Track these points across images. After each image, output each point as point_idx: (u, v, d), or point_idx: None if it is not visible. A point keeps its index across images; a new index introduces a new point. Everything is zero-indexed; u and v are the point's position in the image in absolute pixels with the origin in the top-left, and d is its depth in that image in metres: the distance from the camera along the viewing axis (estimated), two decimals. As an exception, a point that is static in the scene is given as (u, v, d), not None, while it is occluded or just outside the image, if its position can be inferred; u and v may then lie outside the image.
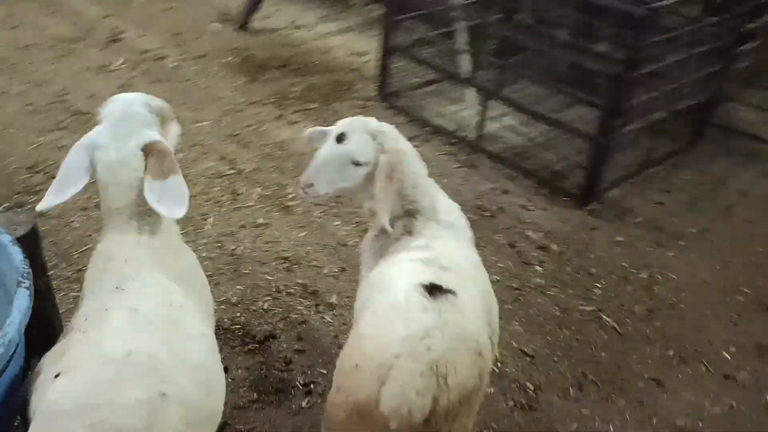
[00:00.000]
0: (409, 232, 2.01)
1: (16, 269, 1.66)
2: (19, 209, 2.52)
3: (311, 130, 2.16)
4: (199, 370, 1.58)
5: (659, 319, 2.90)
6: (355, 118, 2.06)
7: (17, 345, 1.54)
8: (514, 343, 2.72)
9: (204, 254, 2.99)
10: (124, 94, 1.89)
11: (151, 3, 5.50)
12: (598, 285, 3.07)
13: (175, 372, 1.51)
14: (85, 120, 3.80)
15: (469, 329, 1.66)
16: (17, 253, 1.71)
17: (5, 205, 3.10)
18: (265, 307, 2.76)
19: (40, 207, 1.72)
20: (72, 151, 1.77)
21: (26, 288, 1.60)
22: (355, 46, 5.14)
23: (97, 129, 1.80)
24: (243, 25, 5.25)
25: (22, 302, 1.56)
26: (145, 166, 1.80)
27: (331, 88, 4.48)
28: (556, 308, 2.91)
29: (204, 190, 3.40)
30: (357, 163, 1.97)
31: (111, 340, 1.47)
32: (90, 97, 4.07)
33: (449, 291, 1.70)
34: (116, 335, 1.49)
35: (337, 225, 3.26)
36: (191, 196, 3.19)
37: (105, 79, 4.29)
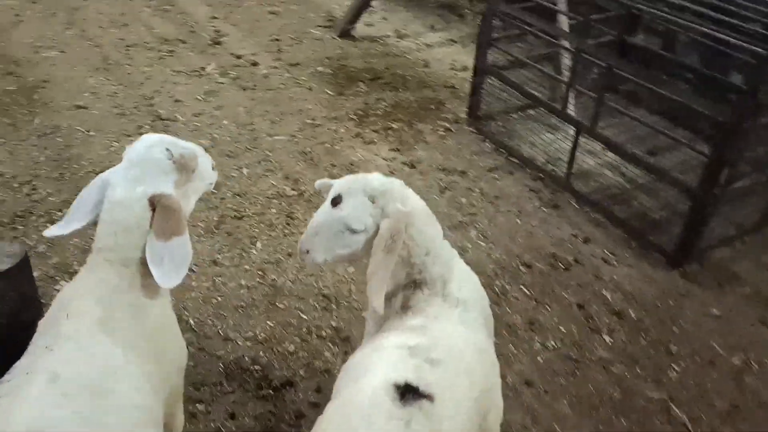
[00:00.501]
0: (406, 307, 1.75)
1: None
2: (12, 241, 2.43)
3: (321, 182, 1.94)
4: None
5: (745, 419, 2.44)
6: (356, 176, 1.81)
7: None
8: (556, 426, 2.37)
9: (243, 282, 2.86)
10: (148, 136, 1.78)
11: (259, 5, 5.50)
12: (675, 367, 2.63)
13: None
14: (164, 126, 3.81)
15: None
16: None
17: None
18: (290, 349, 2.59)
19: (47, 233, 1.70)
20: (90, 184, 1.70)
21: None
22: (458, 59, 4.86)
23: (116, 167, 1.71)
24: (344, 33, 5.12)
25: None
26: (151, 218, 1.68)
27: (420, 105, 4.24)
28: (618, 390, 2.51)
29: (260, 210, 3.27)
30: (353, 231, 1.73)
31: (18, 413, 1.34)
32: (175, 102, 4.08)
33: (425, 396, 1.43)
34: (26, 407, 1.35)
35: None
36: (246, 216, 3.09)
37: (194, 84, 4.30)
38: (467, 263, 1.88)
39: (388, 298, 1.74)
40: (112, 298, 1.61)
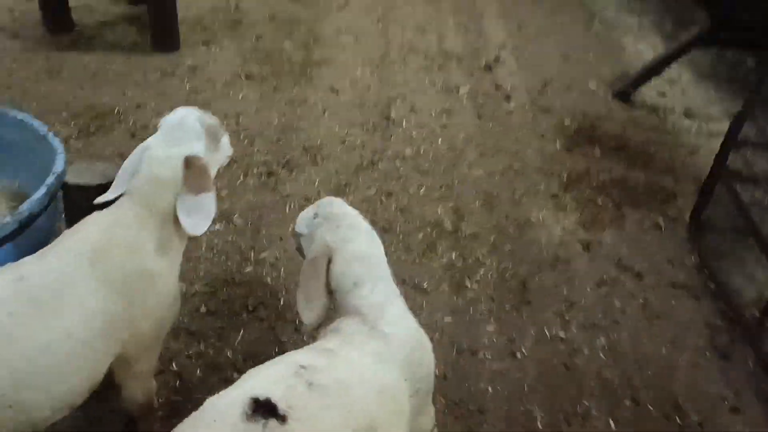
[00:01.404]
0: (336, 330, 1.79)
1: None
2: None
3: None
4: (36, 359, 1.67)
5: None
6: (330, 198, 2.10)
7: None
8: None
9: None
10: (182, 108, 2.04)
11: (557, 47, 5.40)
12: None
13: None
14: (384, 126, 4.06)
15: None
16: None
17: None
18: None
19: (97, 200, 2.01)
20: (133, 153, 2.01)
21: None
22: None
23: (153, 136, 2.00)
24: (622, 94, 4.78)
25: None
26: (183, 177, 1.94)
27: (646, 190, 3.81)
28: None
29: (407, 231, 3.33)
30: (299, 234, 2.07)
31: None
32: (410, 110, 4.30)
33: (279, 416, 1.43)
34: None
35: (490, 329, 2.87)
36: (392, 231, 3.18)
37: (438, 100, 4.46)
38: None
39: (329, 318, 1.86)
40: (118, 233, 1.87)
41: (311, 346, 1.76)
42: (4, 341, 1.66)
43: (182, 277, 2.27)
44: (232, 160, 2.76)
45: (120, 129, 3.81)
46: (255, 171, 3.60)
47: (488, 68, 4.93)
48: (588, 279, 3.18)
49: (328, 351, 1.67)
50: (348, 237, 1.90)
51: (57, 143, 2.21)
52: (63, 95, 4.07)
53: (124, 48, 4.69)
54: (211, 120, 2.06)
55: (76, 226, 1.90)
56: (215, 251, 3.08)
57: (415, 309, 2.79)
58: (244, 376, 1.63)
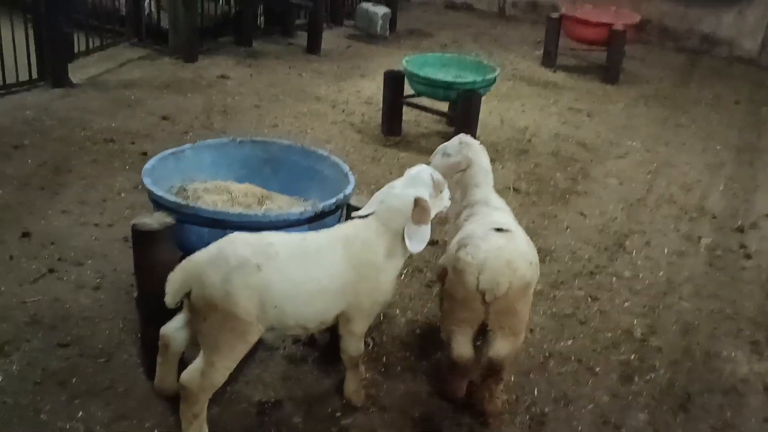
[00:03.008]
0: None
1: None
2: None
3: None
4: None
5: None
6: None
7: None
8: None
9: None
10: (421, 164, 3.06)
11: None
12: None
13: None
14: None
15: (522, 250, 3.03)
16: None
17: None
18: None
19: (355, 213, 3.13)
20: (382, 188, 3.06)
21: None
22: None
23: (398, 179, 3.05)
24: None
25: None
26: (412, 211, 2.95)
27: None
28: None
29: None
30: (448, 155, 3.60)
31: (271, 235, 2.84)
32: (644, 244, 4.82)
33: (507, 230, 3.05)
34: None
35: (642, 418, 3.27)
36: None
37: (674, 243, 4.90)
38: None
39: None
40: (362, 233, 2.92)
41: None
42: (285, 269, 2.76)
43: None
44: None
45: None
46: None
47: (740, 230, 5.21)
48: (758, 414, 3.38)
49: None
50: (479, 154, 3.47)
51: (352, 178, 3.41)
52: (377, 176, 5.48)
53: (430, 152, 6.03)
54: (439, 177, 3.05)
55: (342, 224, 3.00)
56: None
57: (578, 384, 3.36)
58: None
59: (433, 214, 3.00)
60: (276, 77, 7.69)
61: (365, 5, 10.01)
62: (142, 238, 2.98)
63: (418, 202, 2.91)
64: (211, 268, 2.70)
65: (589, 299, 4.16)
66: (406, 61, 6.24)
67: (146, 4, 8.28)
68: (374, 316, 3.06)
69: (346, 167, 3.54)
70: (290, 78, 7.73)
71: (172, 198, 3.12)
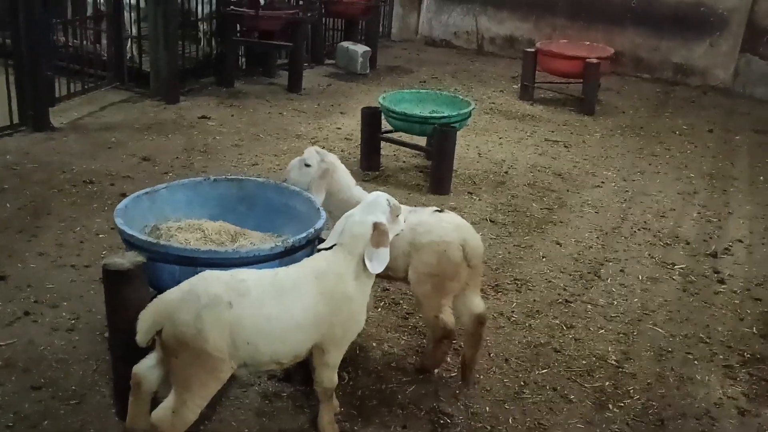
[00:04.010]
0: None
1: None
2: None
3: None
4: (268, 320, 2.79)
5: None
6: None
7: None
8: None
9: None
10: (378, 192, 3.15)
11: None
12: None
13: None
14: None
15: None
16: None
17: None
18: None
19: (320, 246, 3.20)
20: (341, 219, 3.14)
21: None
22: None
23: (356, 207, 3.13)
24: None
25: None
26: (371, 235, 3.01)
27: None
28: None
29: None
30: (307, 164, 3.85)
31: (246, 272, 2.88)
32: (619, 272, 4.88)
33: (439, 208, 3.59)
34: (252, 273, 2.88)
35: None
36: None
37: (648, 269, 4.97)
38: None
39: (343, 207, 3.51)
40: (333, 265, 2.97)
41: None
42: (258, 305, 2.79)
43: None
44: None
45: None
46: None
47: (713, 255, 5.29)
48: (731, 438, 3.41)
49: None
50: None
51: (323, 213, 3.48)
52: (354, 209, 5.54)
53: (408, 186, 6.14)
54: (395, 202, 3.16)
55: (311, 257, 3.06)
56: (416, 329, 4.01)
57: (553, 413, 3.39)
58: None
59: (391, 237, 3.09)
60: (257, 116, 7.80)
61: (345, 44, 10.20)
62: (113, 278, 3.01)
63: (377, 227, 3.01)
64: (183, 306, 2.73)
65: (564, 327, 4.19)
66: (382, 97, 6.36)
67: (128, 47, 8.41)
68: (348, 345, 3.08)
69: (317, 202, 3.61)
70: (271, 117, 7.84)
71: (143, 237, 3.16)
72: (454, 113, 6.10)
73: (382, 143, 6.50)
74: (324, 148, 7.03)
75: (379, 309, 4.21)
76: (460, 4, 12.29)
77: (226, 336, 2.72)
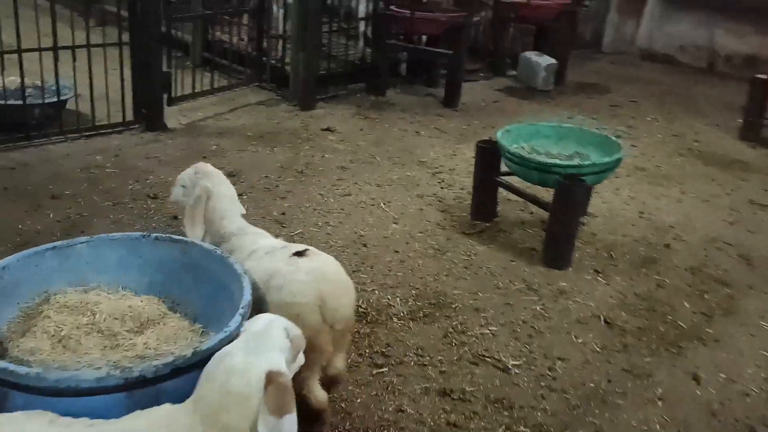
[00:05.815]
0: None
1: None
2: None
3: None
4: None
5: None
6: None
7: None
8: None
9: None
10: (266, 314, 1.96)
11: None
12: None
13: None
14: None
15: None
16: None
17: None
18: None
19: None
20: (212, 358, 1.96)
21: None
22: None
23: (235, 341, 1.94)
24: None
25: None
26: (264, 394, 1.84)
27: None
28: None
29: None
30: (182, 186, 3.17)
31: None
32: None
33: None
34: None
35: None
36: None
37: None
38: None
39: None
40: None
41: None
42: None
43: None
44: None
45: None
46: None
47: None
48: None
49: None
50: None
51: (246, 282, 2.50)
52: (433, 271, 4.30)
53: (516, 250, 4.68)
54: (296, 332, 1.94)
55: (137, 413, 1.92)
56: None
57: None
58: None
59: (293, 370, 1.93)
60: (388, 134, 6.78)
61: (529, 54, 8.81)
62: None
63: (272, 379, 1.80)
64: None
65: None
66: (506, 129, 4.96)
67: (275, 46, 7.89)
68: None
69: (239, 267, 2.62)
70: (404, 136, 6.77)
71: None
72: (587, 162, 4.51)
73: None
74: (443, 181, 5.99)
75: None
76: (691, 12, 10.08)
77: None
